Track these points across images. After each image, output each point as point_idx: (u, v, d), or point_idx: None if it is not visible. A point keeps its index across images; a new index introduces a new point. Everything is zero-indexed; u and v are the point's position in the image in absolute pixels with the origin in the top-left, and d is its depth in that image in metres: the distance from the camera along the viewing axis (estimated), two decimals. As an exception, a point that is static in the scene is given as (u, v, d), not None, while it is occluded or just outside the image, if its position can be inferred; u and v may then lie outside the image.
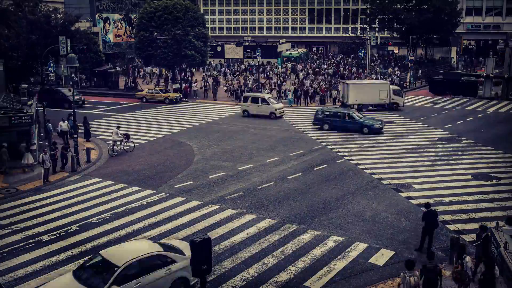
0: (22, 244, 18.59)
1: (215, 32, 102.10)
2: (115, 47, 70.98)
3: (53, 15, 41.55)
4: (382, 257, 17.39)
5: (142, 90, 55.48)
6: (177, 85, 55.48)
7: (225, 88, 55.58)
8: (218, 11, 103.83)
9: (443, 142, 33.51)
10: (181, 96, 52.96)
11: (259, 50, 57.71)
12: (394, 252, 17.59)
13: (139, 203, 22.86)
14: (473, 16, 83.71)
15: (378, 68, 70.13)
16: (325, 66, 74.66)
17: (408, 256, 16.85)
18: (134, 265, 14.19)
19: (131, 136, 32.99)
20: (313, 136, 35.72)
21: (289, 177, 26.27)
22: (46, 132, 33.06)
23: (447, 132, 36.68)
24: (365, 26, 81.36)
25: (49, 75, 40.01)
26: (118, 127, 32.74)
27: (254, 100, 42.89)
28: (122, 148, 31.92)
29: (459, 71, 64.14)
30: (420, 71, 65.01)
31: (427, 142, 33.51)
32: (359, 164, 28.46)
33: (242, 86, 55.53)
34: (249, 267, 16.76)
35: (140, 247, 15.19)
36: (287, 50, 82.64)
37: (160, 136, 36.25)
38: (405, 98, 48.72)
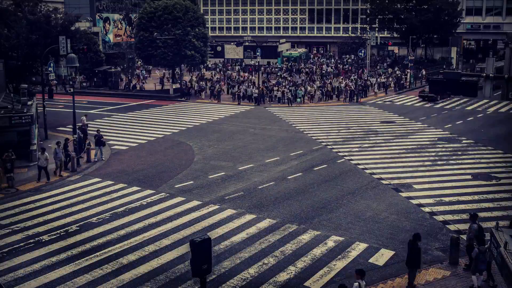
0: (22, 244, 18.59)
1: (215, 32, 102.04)
2: (115, 47, 70.88)
3: (53, 15, 41.39)
4: (382, 257, 17.39)
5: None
6: (177, 85, 55.44)
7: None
8: (218, 11, 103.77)
9: (443, 142, 33.50)
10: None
11: (259, 50, 57.58)
12: (394, 252, 17.58)
13: (139, 203, 22.86)
14: (473, 16, 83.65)
15: (378, 67, 70.05)
16: (327, 67, 74.59)
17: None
18: None
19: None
20: (313, 136, 35.70)
21: (289, 177, 26.27)
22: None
23: (447, 132, 36.68)
24: (365, 26, 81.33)
25: (49, 75, 39.90)
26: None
27: None
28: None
29: (459, 71, 63.99)
30: (421, 73, 64.94)
31: (427, 142, 33.51)
32: (359, 164, 28.45)
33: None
34: (249, 267, 16.75)
35: None
36: (287, 50, 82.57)
37: (160, 136, 36.24)
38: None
